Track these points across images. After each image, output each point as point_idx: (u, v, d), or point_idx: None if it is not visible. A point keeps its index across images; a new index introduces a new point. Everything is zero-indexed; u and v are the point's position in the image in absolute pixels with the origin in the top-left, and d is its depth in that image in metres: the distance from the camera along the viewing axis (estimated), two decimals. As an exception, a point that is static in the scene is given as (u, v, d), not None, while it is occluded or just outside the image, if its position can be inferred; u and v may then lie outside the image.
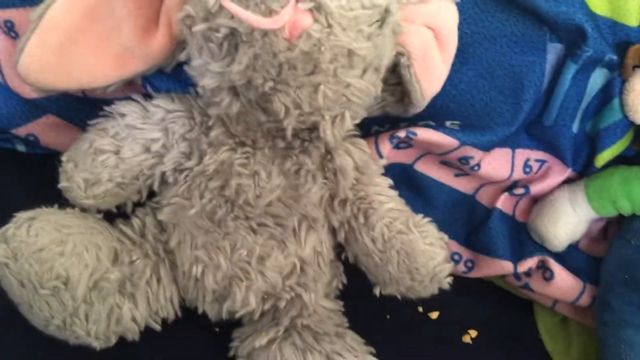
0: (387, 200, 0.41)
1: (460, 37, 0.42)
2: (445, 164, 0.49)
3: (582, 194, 0.46)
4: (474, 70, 0.44)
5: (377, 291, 0.42)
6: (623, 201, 0.44)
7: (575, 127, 0.45)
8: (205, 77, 0.34)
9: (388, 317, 0.51)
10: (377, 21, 0.33)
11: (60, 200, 0.41)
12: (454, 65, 0.43)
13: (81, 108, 0.46)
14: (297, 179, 0.39)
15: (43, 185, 0.45)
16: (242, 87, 0.33)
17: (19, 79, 0.45)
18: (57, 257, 0.36)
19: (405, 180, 0.50)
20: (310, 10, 0.30)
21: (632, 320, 0.44)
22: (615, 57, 0.42)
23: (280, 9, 0.30)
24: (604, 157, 0.45)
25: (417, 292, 0.41)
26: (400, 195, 0.44)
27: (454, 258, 0.50)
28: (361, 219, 0.40)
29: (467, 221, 0.51)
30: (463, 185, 0.50)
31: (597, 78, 0.43)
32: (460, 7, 0.41)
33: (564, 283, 0.47)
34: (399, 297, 0.42)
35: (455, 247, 0.51)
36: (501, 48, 0.43)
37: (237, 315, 0.41)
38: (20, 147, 0.51)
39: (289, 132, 0.35)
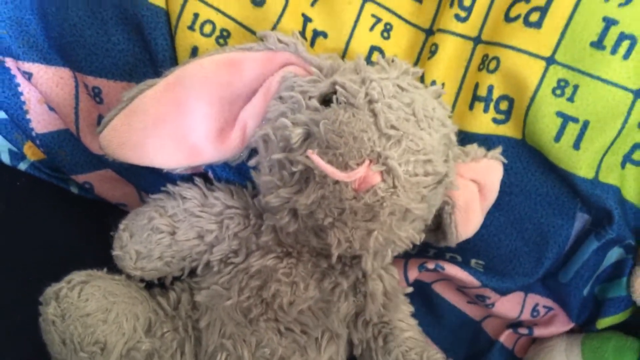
0: (407, 328, 0.44)
1: (502, 181, 0.46)
2: (461, 290, 0.52)
3: (577, 350, 0.49)
4: (506, 217, 0.47)
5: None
6: None
7: (585, 291, 0.48)
8: (271, 195, 0.38)
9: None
10: (435, 183, 0.37)
11: (103, 244, 0.44)
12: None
13: (140, 171, 0.49)
14: (331, 296, 0.42)
15: (91, 228, 0.49)
16: (303, 214, 0.37)
17: (92, 135, 0.49)
18: (100, 324, 0.39)
19: (421, 296, 0.53)
20: (381, 171, 0.34)
21: None
22: (633, 243, 0.45)
23: (356, 166, 0.34)
24: (605, 322, 0.48)
25: None
26: (414, 308, 0.47)
27: (450, 377, 0.53)
28: (380, 342, 0.43)
29: (469, 344, 0.54)
30: (473, 311, 0.53)
31: (613, 254, 0.47)
32: (505, 156, 0.46)
33: None
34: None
35: (454, 367, 0.54)
36: (534, 205, 0.47)
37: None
38: (74, 190, 0.54)
39: (334, 258, 0.39)
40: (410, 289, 0.46)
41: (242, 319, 0.42)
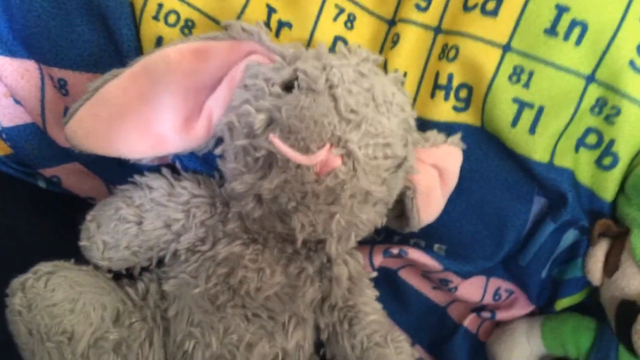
0: (372, 311, 0.45)
1: (462, 168, 0.47)
2: (426, 276, 0.53)
3: (538, 331, 0.51)
4: (466, 203, 0.49)
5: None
6: (571, 346, 0.49)
7: (544, 273, 0.50)
8: (236, 182, 0.39)
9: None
10: (395, 167, 0.38)
11: (71, 239, 0.44)
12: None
13: (107, 163, 0.49)
14: (296, 281, 0.43)
15: (59, 223, 0.49)
16: (267, 199, 0.38)
17: (58, 128, 0.49)
18: (67, 314, 0.39)
19: (387, 283, 0.54)
20: (341, 155, 0.35)
21: None
22: (587, 225, 0.47)
23: (317, 150, 0.34)
24: (563, 303, 0.50)
25: None
26: (380, 295, 0.48)
27: (417, 361, 0.55)
28: (345, 326, 0.44)
29: (434, 330, 0.55)
30: (438, 297, 0.55)
31: (569, 236, 0.49)
32: (465, 143, 0.47)
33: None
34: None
35: (421, 352, 0.55)
36: (493, 190, 0.48)
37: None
38: (42, 184, 0.54)
39: (299, 243, 0.39)
40: (374, 274, 0.47)
41: (209, 306, 0.42)
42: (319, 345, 0.48)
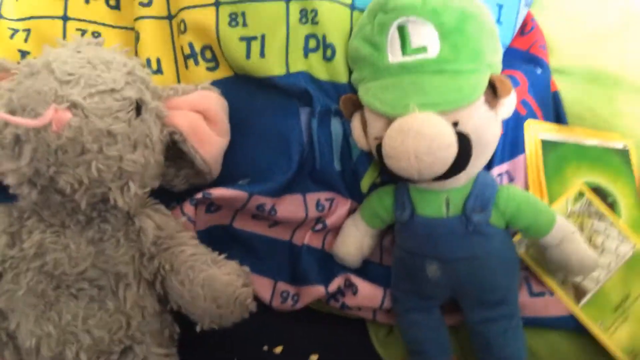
0: (188, 248, 0.49)
1: (237, 113, 0.55)
2: (257, 217, 0.59)
3: (358, 215, 0.57)
4: (251, 137, 0.56)
5: (198, 328, 0.49)
6: (380, 210, 0.54)
7: (337, 166, 0.57)
8: (8, 177, 0.44)
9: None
10: (134, 109, 0.45)
11: None
12: (235, 137, 0.55)
13: None
14: (103, 244, 0.47)
15: None
16: (34, 177, 0.43)
17: None
18: None
19: (230, 240, 0.58)
20: (68, 108, 0.41)
21: (412, 305, 0.54)
22: (336, 105, 0.55)
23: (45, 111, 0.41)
24: (365, 182, 0.57)
25: (227, 319, 0.48)
26: (230, 254, 0.52)
27: (283, 295, 0.58)
28: (167, 267, 0.48)
29: (289, 263, 0.60)
30: (278, 233, 0.59)
31: (336, 125, 0.56)
32: (230, 92, 0.55)
33: (367, 292, 0.56)
34: (216, 328, 0.49)
35: (284, 286, 0.59)
36: (268, 118, 0.56)
37: (77, 377, 0.47)
38: None
39: (83, 205, 0.44)
40: (184, 218, 0.53)
41: (35, 299, 0.46)
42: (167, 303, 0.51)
